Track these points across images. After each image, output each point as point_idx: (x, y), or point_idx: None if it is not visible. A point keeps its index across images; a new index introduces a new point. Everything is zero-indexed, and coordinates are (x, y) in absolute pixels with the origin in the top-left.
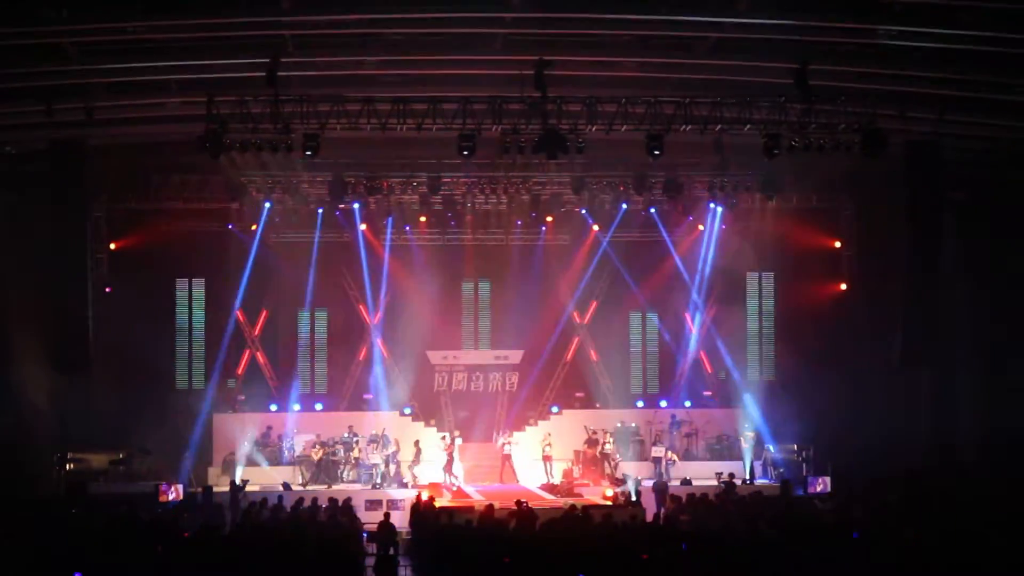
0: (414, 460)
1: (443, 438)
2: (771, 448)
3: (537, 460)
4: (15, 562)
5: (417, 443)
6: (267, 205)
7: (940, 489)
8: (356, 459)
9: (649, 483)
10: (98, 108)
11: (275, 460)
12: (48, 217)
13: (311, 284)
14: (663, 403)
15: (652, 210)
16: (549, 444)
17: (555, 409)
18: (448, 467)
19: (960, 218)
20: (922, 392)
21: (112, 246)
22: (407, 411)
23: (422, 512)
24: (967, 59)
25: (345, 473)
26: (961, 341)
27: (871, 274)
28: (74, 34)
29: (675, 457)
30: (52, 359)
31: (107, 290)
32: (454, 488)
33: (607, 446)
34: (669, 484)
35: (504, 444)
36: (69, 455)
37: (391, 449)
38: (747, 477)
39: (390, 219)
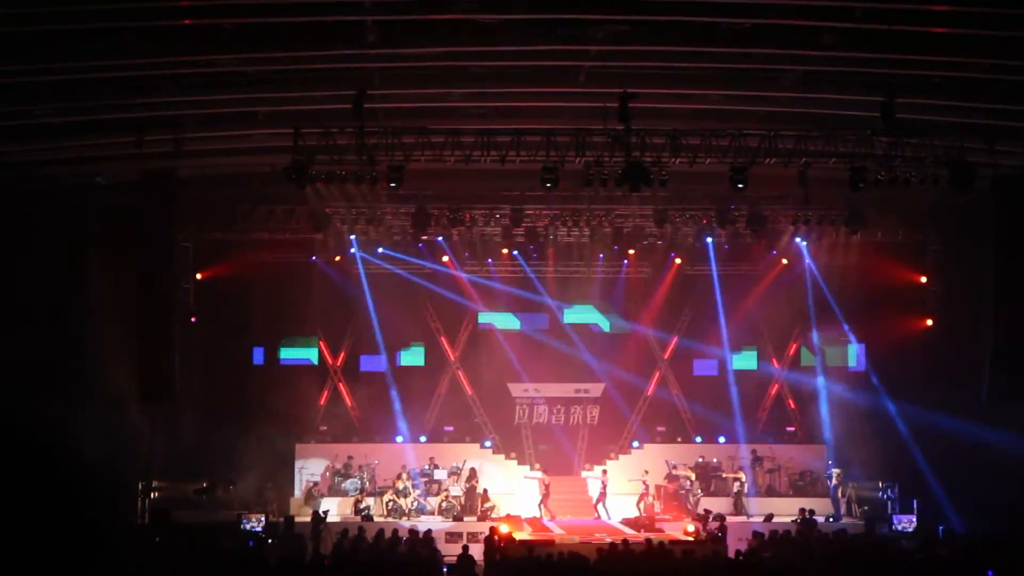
0: (483, 496)
1: (541, 479)
2: (855, 485)
3: (628, 495)
4: None
5: (485, 491)
6: (352, 238)
7: None
8: (437, 491)
9: (733, 520)
10: (187, 139)
11: (356, 491)
12: (136, 247)
13: (392, 316)
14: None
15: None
16: (644, 483)
17: (635, 444)
18: (544, 502)
19: None
20: (1011, 428)
21: (198, 276)
22: (487, 444)
23: (500, 546)
24: None
25: (425, 505)
26: None
27: (958, 310)
28: (163, 66)
29: (741, 477)
30: (138, 388)
31: (192, 320)
32: (545, 521)
33: (688, 482)
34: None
35: (601, 479)
36: (153, 483)
37: (472, 482)
38: (832, 514)
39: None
